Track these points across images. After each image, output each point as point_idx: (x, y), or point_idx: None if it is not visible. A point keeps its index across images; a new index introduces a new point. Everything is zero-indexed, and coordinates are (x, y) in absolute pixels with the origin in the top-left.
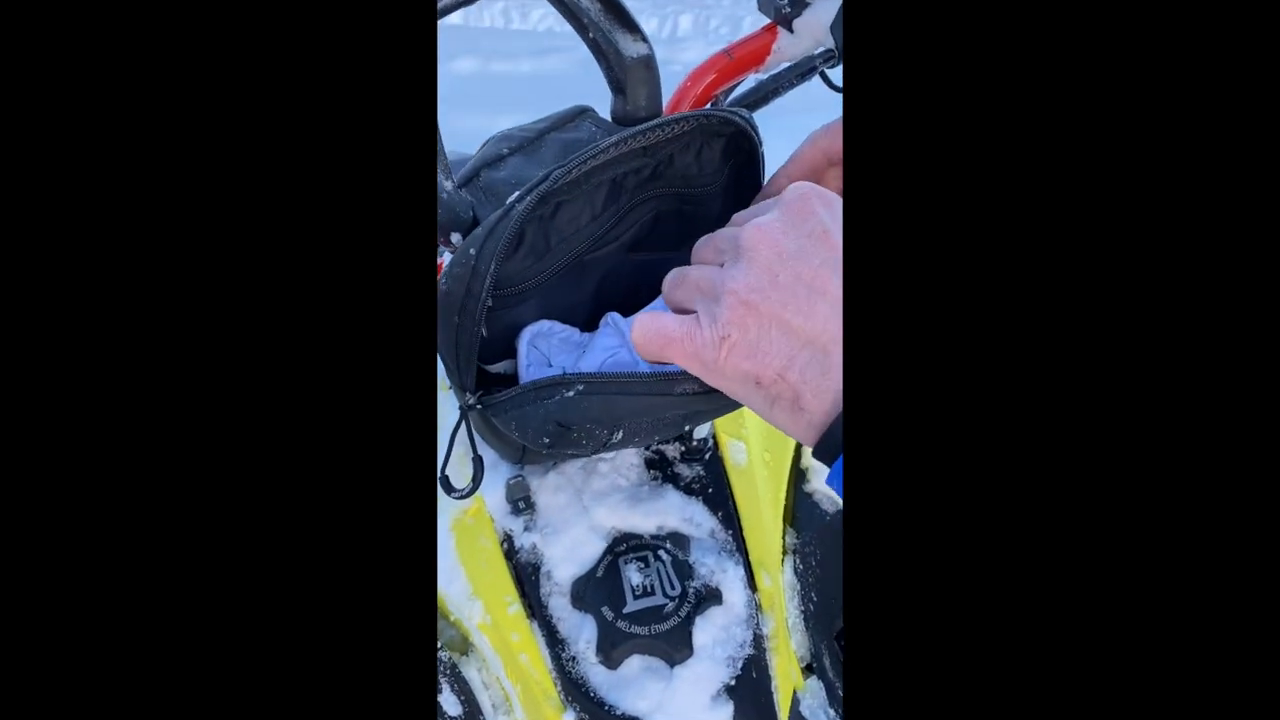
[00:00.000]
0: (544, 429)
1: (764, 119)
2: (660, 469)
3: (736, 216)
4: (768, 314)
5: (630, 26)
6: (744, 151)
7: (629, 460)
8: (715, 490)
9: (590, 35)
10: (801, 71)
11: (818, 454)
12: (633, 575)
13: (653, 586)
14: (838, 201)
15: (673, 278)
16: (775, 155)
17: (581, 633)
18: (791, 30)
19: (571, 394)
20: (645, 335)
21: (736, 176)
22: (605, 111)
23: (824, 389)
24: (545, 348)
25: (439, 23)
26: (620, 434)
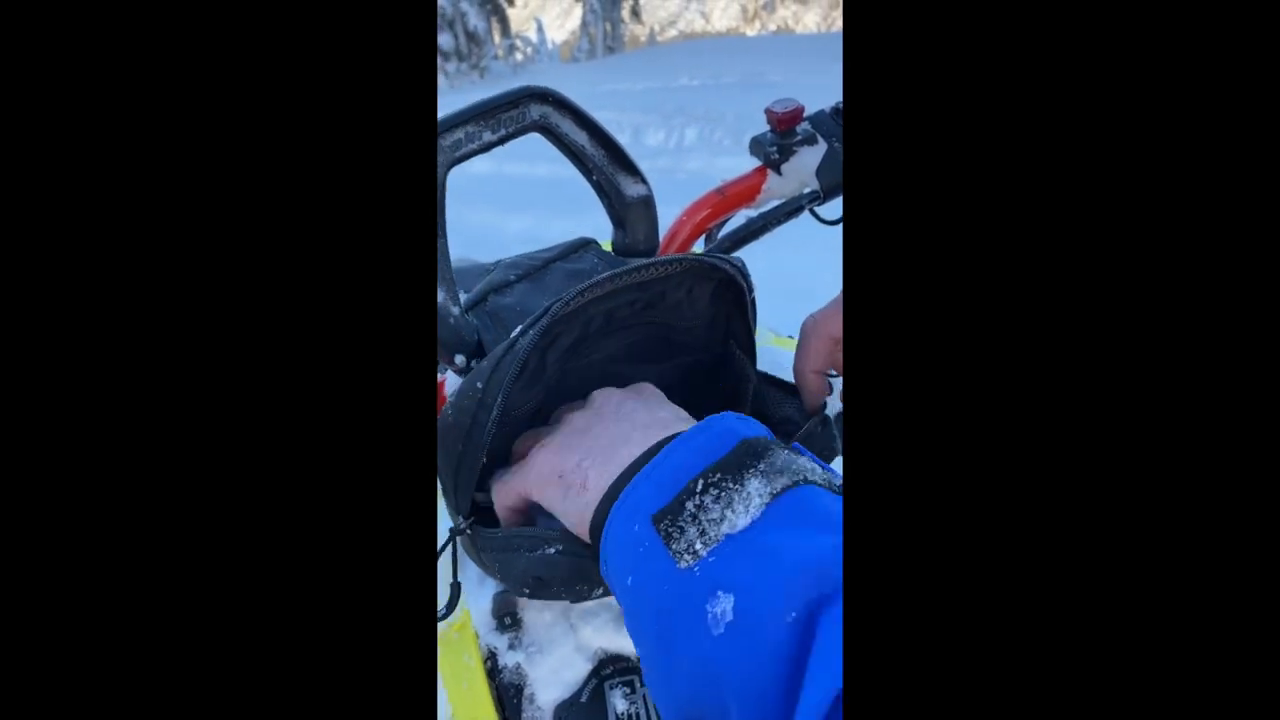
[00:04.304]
0: (524, 579)
1: (752, 251)
2: None
3: None
4: (580, 429)
5: (630, 169)
6: (731, 295)
7: None
8: None
9: (594, 177)
10: (789, 209)
11: (590, 534)
12: (618, 702)
13: (638, 715)
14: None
15: None
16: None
17: None
18: (780, 173)
19: (551, 551)
20: None
21: (726, 315)
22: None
23: (604, 474)
24: None
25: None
26: (600, 589)
